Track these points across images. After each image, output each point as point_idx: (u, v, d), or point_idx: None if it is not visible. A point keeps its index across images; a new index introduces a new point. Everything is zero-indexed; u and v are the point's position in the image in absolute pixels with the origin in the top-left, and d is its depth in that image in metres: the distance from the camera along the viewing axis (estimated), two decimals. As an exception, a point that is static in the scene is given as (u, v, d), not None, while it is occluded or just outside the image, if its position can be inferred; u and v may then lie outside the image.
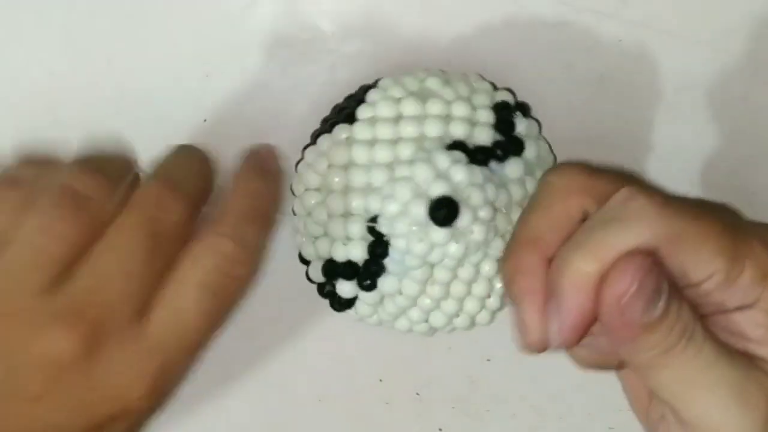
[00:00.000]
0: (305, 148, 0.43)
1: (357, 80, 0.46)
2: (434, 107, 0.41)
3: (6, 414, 0.34)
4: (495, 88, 0.44)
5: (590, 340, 0.33)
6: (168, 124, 0.45)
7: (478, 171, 0.40)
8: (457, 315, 0.42)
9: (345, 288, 0.41)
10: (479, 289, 0.41)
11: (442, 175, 0.39)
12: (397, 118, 0.41)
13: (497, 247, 0.40)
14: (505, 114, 0.42)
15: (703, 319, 0.33)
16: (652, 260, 0.31)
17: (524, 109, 0.44)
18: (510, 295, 0.34)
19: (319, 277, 0.42)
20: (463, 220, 0.39)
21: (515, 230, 0.35)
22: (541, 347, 0.33)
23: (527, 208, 0.35)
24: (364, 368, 0.48)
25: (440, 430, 0.48)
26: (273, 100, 0.46)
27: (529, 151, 0.42)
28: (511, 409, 0.48)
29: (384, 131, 0.40)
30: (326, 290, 0.42)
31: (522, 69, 0.46)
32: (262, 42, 0.46)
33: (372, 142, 0.40)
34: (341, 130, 0.41)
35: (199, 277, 0.36)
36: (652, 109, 0.47)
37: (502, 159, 0.41)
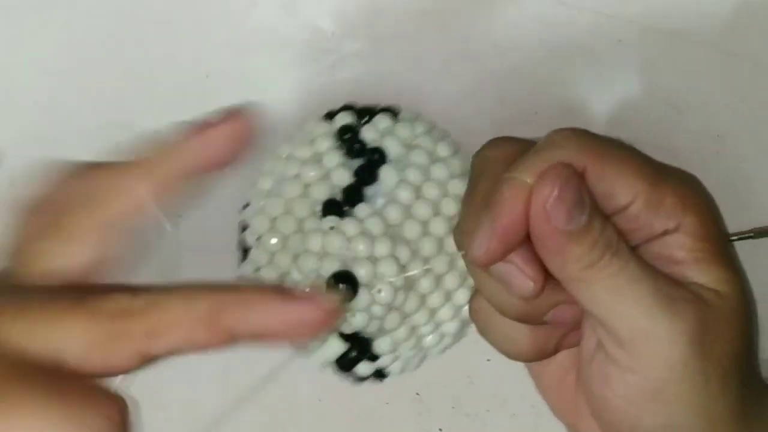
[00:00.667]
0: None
1: (357, 80, 0.46)
2: (293, 189, 0.41)
3: None
4: (330, 116, 0.43)
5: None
6: (168, 124, 0.45)
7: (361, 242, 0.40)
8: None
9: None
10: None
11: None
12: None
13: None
14: (348, 136, 0.42)
15: (634, 249, 0.35)
16: (572, 169, 0.34)
17: (369, 112, 0.43)
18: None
19: None
20: (362, 299, 0.40)
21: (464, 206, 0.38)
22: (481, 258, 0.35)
23: (470, 182, 0.38)
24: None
25: (440, 430, 0.48)
26: (273, 100, 0.46)
27: (392, 146, 0.42)
28: (511, 409, 0.48)
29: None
30: None
31: (522, 69, 0.46)
32: (262, 42, 0.46)
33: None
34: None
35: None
36: (652, 109, 0.47)
37: (371, 180, 0.41)
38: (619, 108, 0.47)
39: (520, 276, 0.35)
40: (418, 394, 0.48)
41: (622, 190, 0.35)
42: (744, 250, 0.47)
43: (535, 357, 0.38)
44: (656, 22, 0.46)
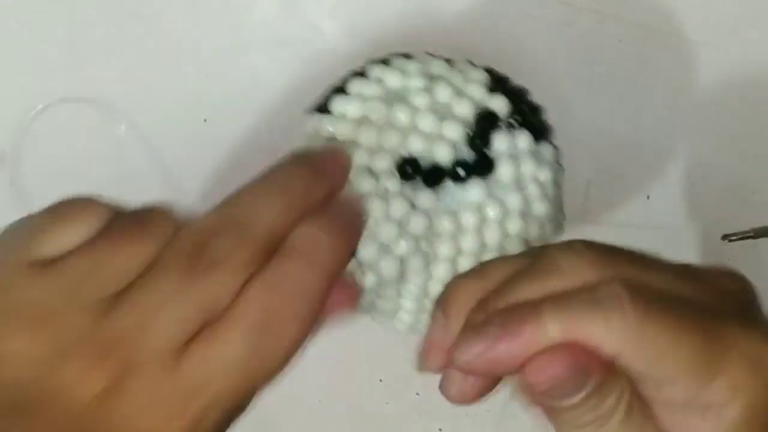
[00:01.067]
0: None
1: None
2: (401, 114, 0.39)
3: None
4: (495, 86, 0.41)
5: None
6: (168, 124, 0.45)
7: (399, 203, 0.38)
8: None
9: None
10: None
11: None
12: (361, 120, 0.39)
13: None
14: (485, 126, 0.40)
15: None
16: (584, 365, 0.31)
17: (523, 115, 0.41)
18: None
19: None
20: (369, 251, 0.38)
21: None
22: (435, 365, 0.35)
23: (519, 272, 0.33)
24: (364, 368, 0.48)
25: (440, 430, 0.48)
26: (273, 100, 0.46)
27: (504, 171, 0.39)
28: (511, 410, 0.48)
29: (344, 131, 0.39)
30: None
31: (522, 69, 0.46)
32: (262, 42, 0.46)
33: (331, 140, 0.39)
34: (311, 120, 0.40)
35: (248, 320, 0.33)
36: (652, 109, 0.47)
37: (462, 179, 0.39)
38: (620, 108, 0.47)
39: (460, 384, 0.34)
40: (418, 394, 0.48)
41: (658, 383, 0.31)
42: (744, 250, 0.48)
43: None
44: (656, 22, 0.46)
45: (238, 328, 0.32)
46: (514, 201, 0.39)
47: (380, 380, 0.48)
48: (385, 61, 0.41)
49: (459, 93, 0.39)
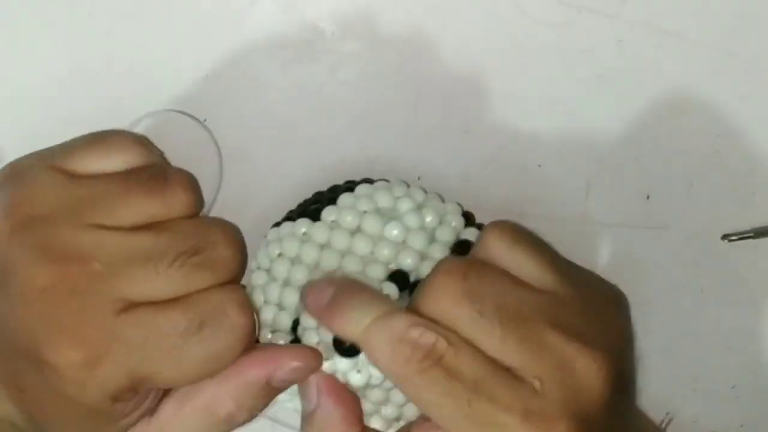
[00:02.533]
0: (273, 226, 0.43)
1: (357, 80, 0.46)
2: (393, 231, 0.40)
3: None
4: (466, 221, 0.43)
5: None
6: (168, 124, 0.45)
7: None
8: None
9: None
10: (388, 411, 0.41)
11: None
12: (355, 231, 0.41)
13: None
14: (461, 252, 0.41)
15: None
16: None
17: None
18: None
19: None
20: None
21: None
22: None
23: None
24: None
25: (440, 430, 0.48)
26: (273, 100, 0.46)
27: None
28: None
29: (339, 240, 0.41)
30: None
31: (522, 69, 0.46)
32: (262, 42, 0.46)
33: (323, 246, 0.41)
34: (301, 225, 0.41)
35: (195, 312, 0.36)
36: (652, 109, 0.47)
37: None
38: (620, 108, 0.47)
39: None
40: (418, 394, 0.48)
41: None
42: (744, 250, 0.48)
43: None
44: (656, 22, 0.46)
45: (180, 313, 0.35)
46: None
47: (380, 380, 0.48)
48: (367, 181, 0.43)
49: (442, 221, 0.41)
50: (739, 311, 0.48)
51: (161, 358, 0.35)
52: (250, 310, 0.37)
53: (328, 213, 0.41)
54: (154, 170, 0.37)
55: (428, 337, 0.35)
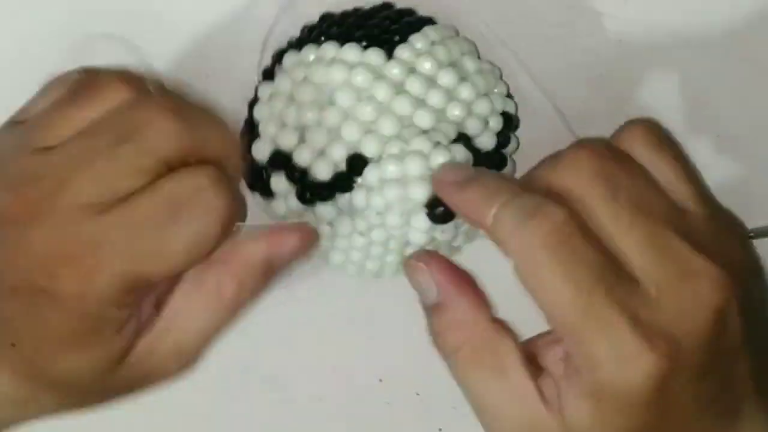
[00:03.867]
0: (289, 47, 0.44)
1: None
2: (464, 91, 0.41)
3: None
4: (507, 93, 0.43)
5: None
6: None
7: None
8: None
9: (280, 184, 0.42)
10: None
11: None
12: (433, 76, 0.41)
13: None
14: (505, 127, 0.43)
15: None
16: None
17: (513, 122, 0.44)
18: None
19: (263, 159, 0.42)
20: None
21: None
22: None
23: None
24: (364, 368, 0.48)
25: (440, 430, 0.48)
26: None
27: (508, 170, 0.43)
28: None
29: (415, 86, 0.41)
30: (263, 175, 0.42)
31: (522, 69, 0.46)
32: (262, 42, 0.46)
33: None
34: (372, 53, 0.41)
35: (161, 199, 0.35)
36: (652, 109, 0.47)
37: None
38: (619, 108, 0.47)
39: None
40: (418, 394, 0.48)
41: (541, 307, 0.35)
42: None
43: None
44: (656, 22, 0.46)
45: (152, 203, 0.35)
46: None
47: (380, 380, 0.48)
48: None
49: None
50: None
51: (145, 252, 0.35)
52: (228, 188, 0.36)
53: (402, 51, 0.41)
54: (84, 83, 0.38)
55: (559, 213, 0.33)
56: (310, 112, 0.40)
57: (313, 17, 0.45)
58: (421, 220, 0.39)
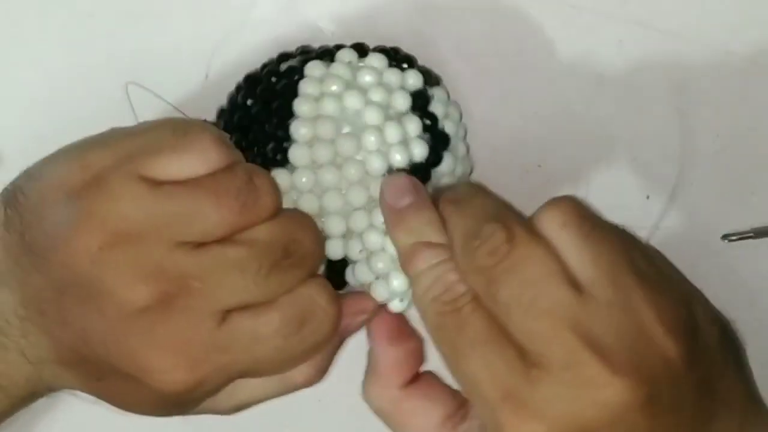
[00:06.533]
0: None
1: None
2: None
3: None
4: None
5: None
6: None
7: None
8: None
9: None
10: None
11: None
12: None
13: None
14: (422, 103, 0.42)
15: None
16: None
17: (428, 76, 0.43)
18: None
19: None
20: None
21: None
22: None
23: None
24: (364, 368, 0.47)
25: (440, 429, 0.48)
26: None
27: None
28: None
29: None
30: None
31: (522, 69, 0.46)
32: (262, 42, 0.46)
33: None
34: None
35: (289, 311, 0.37)
36: (652, 109, 0.47)
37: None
38: (619, 108, 0.47)
39: None
40: (418, 394, 0.48)
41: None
42: (744, 250, 0.47)
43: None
44: (656, 22, 0.46)
45: (284, 316, 0.36)
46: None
47: (380, 380, 0.48)
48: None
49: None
50: (739, 311, 0.48)
51: (265, 361, 0.37)
52: (337, 296, 0.38)
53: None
54: (242, 182, 0.36)
55: (451, 293, 0.36)
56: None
57: (313, 17, 0.45)
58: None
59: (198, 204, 0.36)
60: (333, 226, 0.40)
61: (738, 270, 0.48)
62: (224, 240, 0.36)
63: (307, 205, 0.40)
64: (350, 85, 0.41)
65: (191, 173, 0.36)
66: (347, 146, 0.40)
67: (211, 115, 0.46)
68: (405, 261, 0.38)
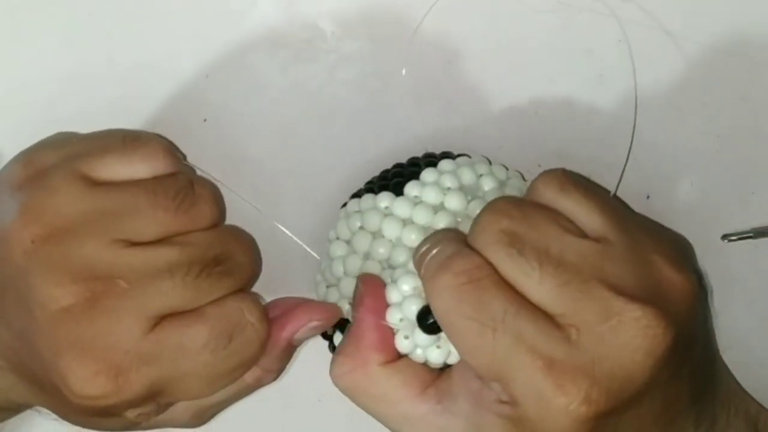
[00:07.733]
0: (352, 197, 0.43)
1: (357, 80, 0.46)
2: (476, 210, 0.39)
3: None
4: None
5: None
6: (168, 124, 0.45)
7: None
8: None
9: (339, 338, 0.42)
10: None
11: None
12: (438, 208, 0.40)
13: None
14: None
15: None
16: None
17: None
18: None
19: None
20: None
21: None
22: None
23: None
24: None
25: (440, 430, 0.48)
26: (273, 100, 0.46)
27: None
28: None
29: (421, 216, 0.40)
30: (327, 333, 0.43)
31: (522, 69, 0.46)
32: (262, 42, 0.46)
33: (405, 222, 0.40)
34: (383, 198, 0.41)
35: (217, 325, 0.36)
36: (652, 109, 0.47)
37: None
38: (620, 108, 0.47)
39: None
40: (418, 394, 0.48)
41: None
42: (744, 250, 0.48)
43: None
44: (656, 22, 0.46)
45: (212, 330, 0.35)
46: None
47: (380, 380, 0.48)
48: (447, 155, 0.43)
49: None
50: (739, 311, 0.48)
51: (191, 375, 0.36)
52: (266, 312, 0.37)
53: (411, 188, 0.41)
54: (182, 185, 0.36)
55: (468, 261, 0.34)
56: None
57: (313, 17, 0.45)
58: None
59: (134, 201, 0.35)
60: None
61: (738, 270, 0.48)
62: (157, 242, 0.35)
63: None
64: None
65: (135, 176, 0.36)
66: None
67: (211, 114, 0.46)
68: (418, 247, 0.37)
